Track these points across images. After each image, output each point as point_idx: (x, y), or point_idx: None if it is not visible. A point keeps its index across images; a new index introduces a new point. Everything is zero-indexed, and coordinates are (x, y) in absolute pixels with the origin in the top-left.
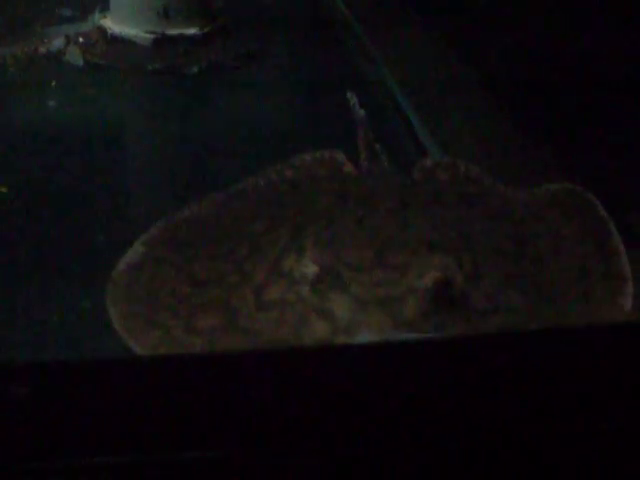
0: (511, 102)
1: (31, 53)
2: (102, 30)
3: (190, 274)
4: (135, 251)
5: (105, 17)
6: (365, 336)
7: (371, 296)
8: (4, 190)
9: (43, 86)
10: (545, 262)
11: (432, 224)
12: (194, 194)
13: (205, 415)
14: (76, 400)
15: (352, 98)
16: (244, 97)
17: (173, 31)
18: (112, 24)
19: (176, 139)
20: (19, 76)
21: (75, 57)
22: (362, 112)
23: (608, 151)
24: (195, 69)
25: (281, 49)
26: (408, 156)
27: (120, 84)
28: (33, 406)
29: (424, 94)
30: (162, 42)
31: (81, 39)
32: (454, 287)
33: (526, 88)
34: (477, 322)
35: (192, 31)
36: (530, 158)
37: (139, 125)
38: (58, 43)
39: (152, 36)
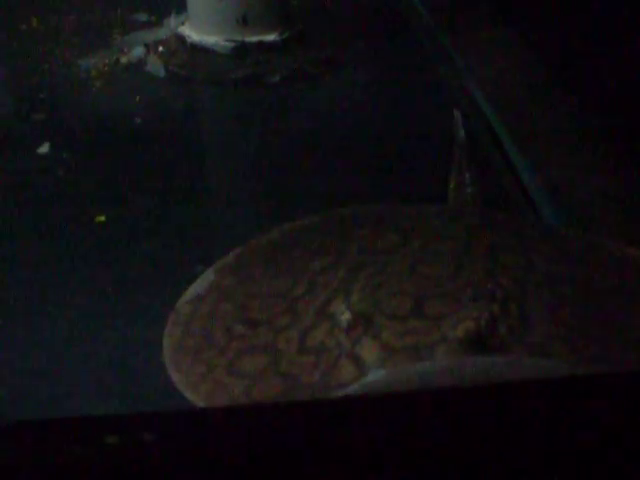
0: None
1: (113, 64)
2: (181, 38)
3: (246, 312)
4: (204, 279)
5: (183, 23)
6: (378, 372)
7: (400, 344)
8: (103, 219)
9: (128, 101)
10: (613, 321)
11: (489, 271)
12: (277, 211)
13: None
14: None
15: (457, 116)
16: (327, 106)
17: (252, 38)
18: (191, 32)
19: (262, 151)
20: (104, 91)
21: (156, 68)
22: (462, 133)
23: None
24: (277, 78)
25: (361, 54)
26: (498, 179)
27: (203, 95)
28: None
29: (516, 112)
30: (242, 50)
31: (161, 48)
32: (491, 339)
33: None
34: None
35: (271, 38)
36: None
37: (226, 138)
38: (138, 52)
39: (232, 44)
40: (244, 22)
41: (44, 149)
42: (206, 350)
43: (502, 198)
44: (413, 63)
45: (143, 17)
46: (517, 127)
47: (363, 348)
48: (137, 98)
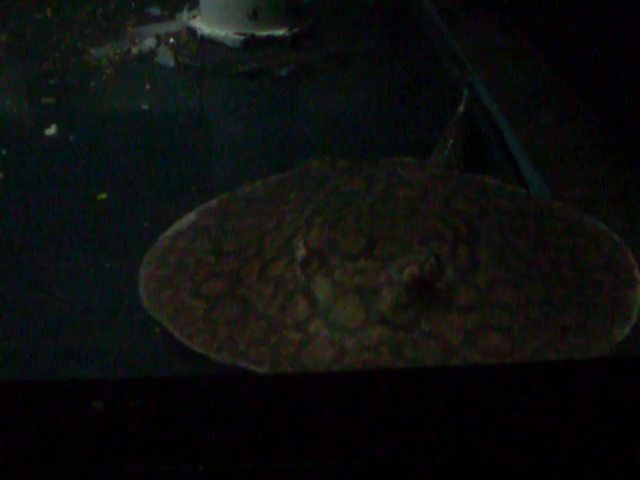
0: (604, 106)
1: (124, 54)
2: (192, 31)
3: (219, 245)
4: (187, 218)
5: (194, 17)
6: None
7: (351, 284)
8: (104, 197)
9: (136, 89)
10: (557, 268)
11: (443, 216)
12: None
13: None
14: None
15: (465, 94)
16: (332, 100)
17: (262, 32)
18: (202, 25)
19: (263, 141)
20: (113, 79)
21: (166, 58)
22: (462, 109)
23: None
24: (284, 71)
25: (368, 49)
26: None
27: (210, 86)
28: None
29: (513, 100)
30: (251, 43)
31: (171, 40)
32: (436, 281)
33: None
34: (455, 318)
35: (280, 32)
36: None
37: (227, 127)
38: (149, 44)
39: (242, 38)
40: (254, 16)
41: (51, 131)
42: (176, 276)
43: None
44: (419, 60)
45: (156, 11)
46: (519, 122)
47: (316, 285)
48: (145, 87)
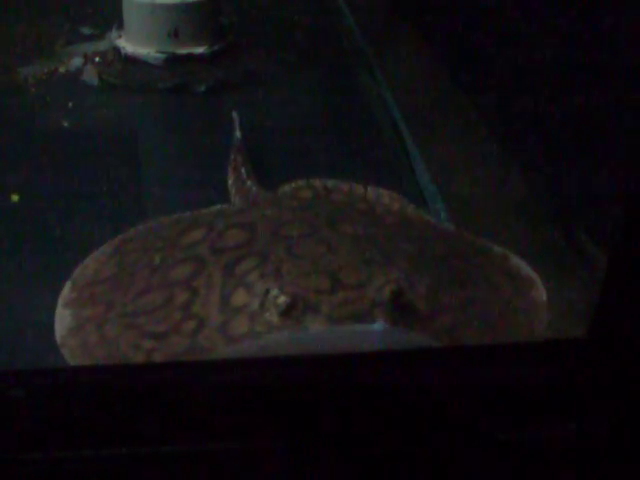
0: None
1: (51, 73)
2: (117, 50)
3: (141, 329)
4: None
5: (120, 36)
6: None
7: (343, 314)
8: (16, 198)
9: (59, 106)
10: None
11: (348, 242)
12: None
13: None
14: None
15: (235, 117)
16: (247, 114)
17: (182, 50)
18: (126, 44)
19: (182, 155)
20: (38, 96)
21: (91, 77)
22: (239, 134)
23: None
24: (202, 87)
25: (288, 68)
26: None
27: (131, 102)
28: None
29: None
30: (172, 61)
31: (97, 59)
32: (405, 295)
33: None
34: (429, 325)
35: (200, 50)
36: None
37: (145, 140)
38: (76, 63)
39: (163, 56)
40: (175, 36)
41: None
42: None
43: None
44: (338, 76)
45: (87, 31)
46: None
47: (309, 325)
48: (67, 104)
